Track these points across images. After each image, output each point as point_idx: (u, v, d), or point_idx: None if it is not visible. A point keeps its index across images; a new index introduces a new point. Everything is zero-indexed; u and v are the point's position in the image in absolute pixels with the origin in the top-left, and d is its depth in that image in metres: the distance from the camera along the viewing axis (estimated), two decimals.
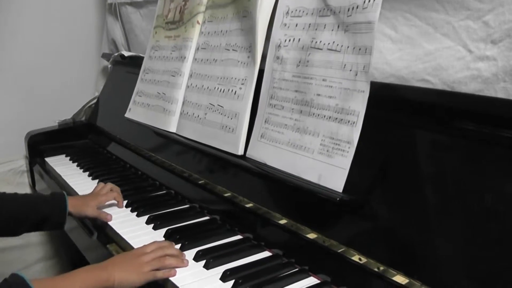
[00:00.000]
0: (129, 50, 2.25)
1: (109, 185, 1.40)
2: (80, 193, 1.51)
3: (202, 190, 1.35)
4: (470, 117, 0.82)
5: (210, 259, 1.03)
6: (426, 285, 0.81)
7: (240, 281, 0.95)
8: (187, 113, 1.43)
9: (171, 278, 0.98)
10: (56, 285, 0.93)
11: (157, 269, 1.00)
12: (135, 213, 1.32)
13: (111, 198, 1.36)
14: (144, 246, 1.07)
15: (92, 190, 1.43)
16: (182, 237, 1.14)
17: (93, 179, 1.66)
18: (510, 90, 0.86)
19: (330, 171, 0.97)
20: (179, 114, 1.47)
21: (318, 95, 1.03)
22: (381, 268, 0.87)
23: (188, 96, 1.45)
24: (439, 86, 0.98)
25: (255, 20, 1.20)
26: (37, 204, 1.26)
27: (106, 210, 1.34)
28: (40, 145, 2.01)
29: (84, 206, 1.30)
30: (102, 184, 1.42)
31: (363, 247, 0.92)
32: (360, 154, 0.93)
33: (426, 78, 0.99)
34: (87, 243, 1.33)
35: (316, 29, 1.06)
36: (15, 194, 1.30)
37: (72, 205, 1.29)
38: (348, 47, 0.98)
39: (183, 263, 1.04)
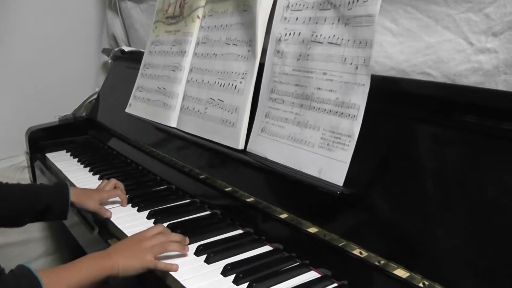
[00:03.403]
0: (129, 45, 2.25)
1: (113, 181, 1.40)
2: None
3: (202, 185, 1.35)
4: (471, 110, 0.82)
5: (211, 253, 1.03)
6: (427, 278, 0.81)
7: (241, 275, 0.95)
8: (188, 107, 1.42)
9: (172, 272, 0.98)
10: (62, 275, 0.93)
11: (160, 255, 1.01)
12: (136, 208, 1.32)
13: (114, 195, 1.36)
14: (147, 229, 1.08)
15: (93, 185, 1.43)
16: (183, 232, 1.14)
17: (93, 174, 1.66)
18: (511, 83, 0.86)
19: (331, 165, 0.96)
20: (180, 109, 1.47)
21: (319, 89, 1.02)
22: (382, 261, 0.87)
23: (189, 91, 1.44)
24: (440, 79, 0.97)
25: (255, 14, 1.20)
26: (39, 194, 1.26)
27: (108, 206, 1.33)
28: (41, 141, 2.01)
29: (87, 198, 1.30)
30: (106, 181, 1.42)
31: (364, 241, 0.91)
32: (360, 148, 0.93)
33: (427, 71, 0.99)
34: (88, 238, 1.33)
35: (316, 23, 1.06)
36: (18, 184, 1.30)
37: (74, 195, 1.29)
38: (348, 40, 0.98)
39: (184, 250, 1.04)
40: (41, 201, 1.24)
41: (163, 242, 1.03)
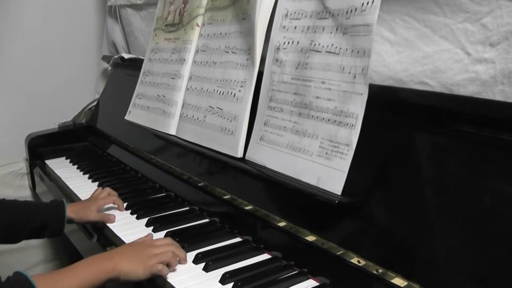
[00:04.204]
0: (129, 53, 2.26)
1: (107, 189, 1.41)
2: (80, 196, 1.52)
3: (201, 193, 1.35)
4: (468, 120, 0.82)
5: (210, 261, 1.04)
6: (424, 287, 0.81)
7: (239, 283, 0.95)
8: (187, 115, 1.43)
9: (170, 280, 0.98)
10: (59, 280, 0.92)
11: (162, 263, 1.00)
12: (135, 215, 1.32)
13: (111, 201, 1.36)
14: (156, 239, 1.07)
15: (92, 192, 1.43)
16: (182, 240, 1.14)
17: (93, 181, 1.66)
18: (508, 93, 0.86)
19: (329, 174, 0.97)
20: (179, 117, 1.47)
21: (317, 97, 1.03)
22: (380, 270, 0.87)
23: (188, 99, 1.45)
24: (437, 88, 0.98)
25: (254, 22, 1.20)
26: (35, 211, 1.26)
27: (108, 212, 1.34)
28: (40, 148, 2.01)
29: (86, 211, 1.30)
30: (99, 188, 1.42)
31: (362, 250, 0.92)
32: (358, 157, 0.93)
33: (425, 81, 0.99)
34: (87, 245, 1.33)
35: (315, 32, 1.06)
36: (15, 200, 1.30)
37: (72, 211, 1.28)
38: (346, 49, 0.98)
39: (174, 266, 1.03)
40: (37, 219, 1.24)
41: (170, 251, 1.02)
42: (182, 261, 1.05)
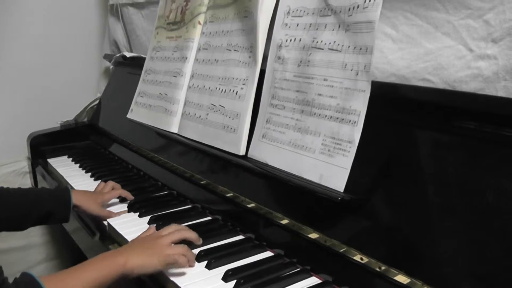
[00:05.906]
0: (131, 51, 2.26)
1: (110, 183, 1.41)
2: None
3: (204, 191, 1.35)
4: (471, 116, 0.82)
5: (212, 259, 1.03)
6: (427, 284, 0.81)
7: (242, 281, 0.95)
8: (189, 113, 1.43)
9: (172, 278, 0.98)
10: (67, 280, 0.90)
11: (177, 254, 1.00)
12: (137, 213, 1.32)
13: (115, 195, 1.37)
14: (162, 229, 1.08)
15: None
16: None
17: (95, 180, 1.66)
18: (511, 89, 0.86)
19: (332, 171, 0.97)
20: (181, 115, 1.47)
21: (319, 95, 1.03)
22: (383, 267, 0.87)
23: (190, 97, 1.45)
24: (440, 85, 0.97)
25: (256, 20, 1.20)
26: (41, 198, 1.26)
27: (110, 208, 1.35)
28: (42, 146, 2.02)
29: (90, 201, 1.31)
30: (103, 183, 1.42)
31: (365, 247, 0.92)
32: (361, 154, 0.93)
33: (427, 77, 0.99)
34: (89, 243, 1.34)
35: (317, 29, 1.06)
36: (19, 188, 1.30)
37: (77, 199, 1.29)
38: (349, 46, 0.98)
39: (199, 241, 1.09)
40: (43, 206, 1.25)
41: (178, 239, 1.04)
42: (195, 241, 1.08)
